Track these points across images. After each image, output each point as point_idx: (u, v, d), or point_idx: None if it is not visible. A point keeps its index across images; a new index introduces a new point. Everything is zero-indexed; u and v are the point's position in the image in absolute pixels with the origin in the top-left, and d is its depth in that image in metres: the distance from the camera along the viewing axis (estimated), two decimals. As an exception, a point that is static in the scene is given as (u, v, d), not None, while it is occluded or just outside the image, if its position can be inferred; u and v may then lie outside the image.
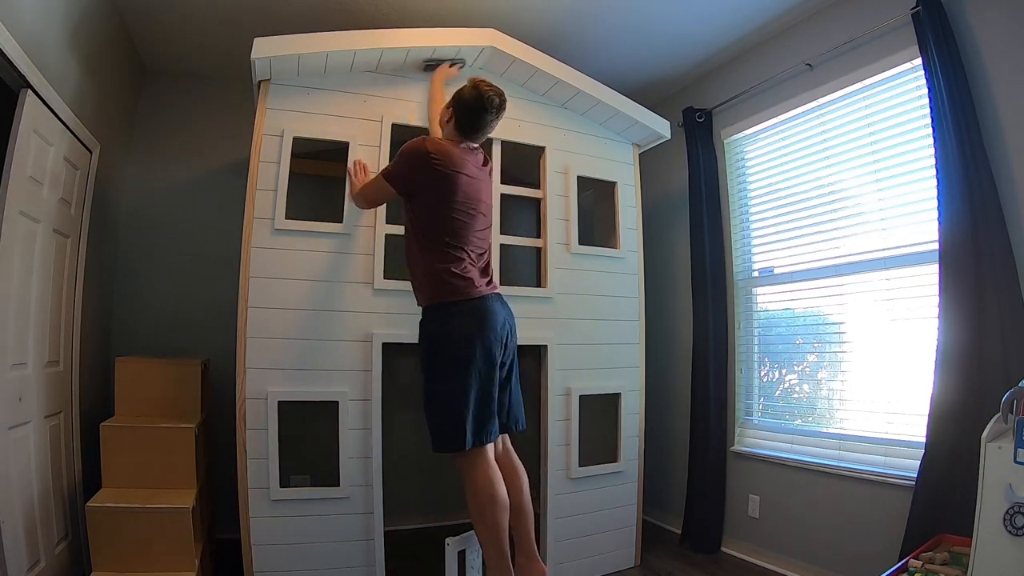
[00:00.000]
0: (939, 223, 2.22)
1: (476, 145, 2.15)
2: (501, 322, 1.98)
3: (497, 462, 1.96)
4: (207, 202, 3.36)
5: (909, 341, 2.45)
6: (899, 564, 1.93)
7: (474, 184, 2.05)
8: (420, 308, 2.05)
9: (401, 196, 2.06)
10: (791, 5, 2.82)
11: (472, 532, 1.99)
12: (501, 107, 2.05)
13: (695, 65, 3.45)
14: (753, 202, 3.26)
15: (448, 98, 2.13)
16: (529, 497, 2.04)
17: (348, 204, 2.42)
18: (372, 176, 2.26)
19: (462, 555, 1.97)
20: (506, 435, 2.09)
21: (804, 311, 3.01)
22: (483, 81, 2.06)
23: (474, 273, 1.98)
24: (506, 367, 2.04)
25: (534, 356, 2.73)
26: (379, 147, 2.47)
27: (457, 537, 1.98)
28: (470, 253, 2.01)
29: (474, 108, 2.02)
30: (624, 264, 2.96)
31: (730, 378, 3.22)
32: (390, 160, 2.42)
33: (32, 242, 2.15)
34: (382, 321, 2.41)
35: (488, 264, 2.11)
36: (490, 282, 2.07)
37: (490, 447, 1.93)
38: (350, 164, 2.38)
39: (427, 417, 1.96)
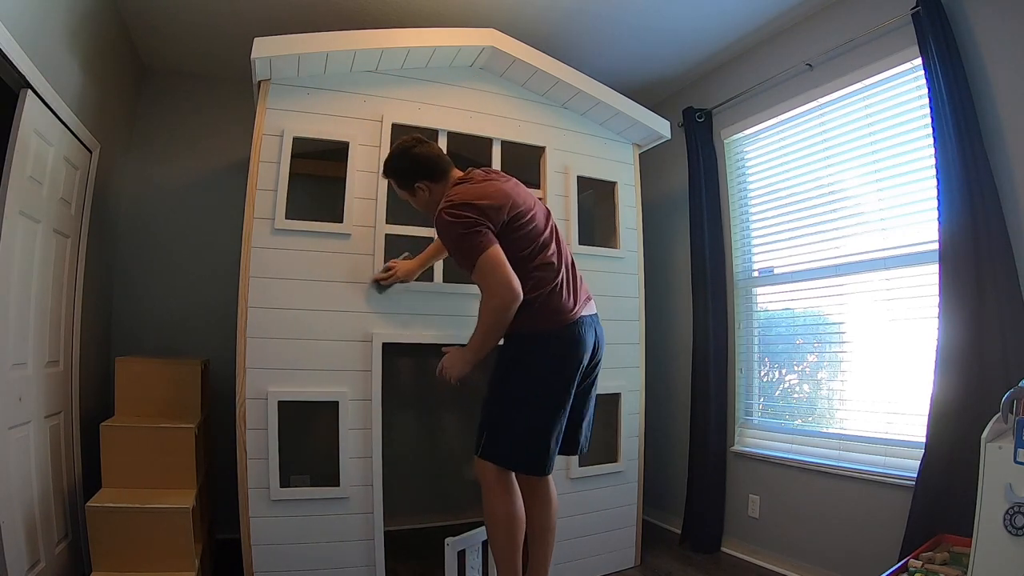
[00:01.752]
0: (939, 223, 2.22)
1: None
2: (588, 347, 1.94)
3: (530, 492, 1.91)
4: (207, 202, 3.37)
5: (909, 341, 2.45)
6: (899, 564, 1.93)
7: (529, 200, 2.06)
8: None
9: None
10: (791, 5, 2.82)
11: (472, 532, 1.99)
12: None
13: (695, 65, 3.45)
14: (753, 202, 3.26)
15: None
16: (554, 522, 1.95)
17: (348, 204, 2.42)
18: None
19: (462, 555, 1.97)
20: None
21: (804, 311, 3.01)
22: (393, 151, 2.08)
23: (565, 296, 1.96)
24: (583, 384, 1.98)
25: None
26: (379, 147, 2.47)
27: (457, 537, 1.98)
28: (560, 274, 2.00)
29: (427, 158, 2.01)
30: (624, 264, 2.95)
31: (730, 378, 3.22)
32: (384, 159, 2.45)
33: (32, 242, 2.15)
34: (382, 321, 2.41)
35: (576, 280, 2.04)
36: (584, 299, 2.04)
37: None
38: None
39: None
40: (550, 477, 1.93)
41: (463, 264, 1.83)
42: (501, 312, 1.77)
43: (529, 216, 1.92)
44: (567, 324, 1.87)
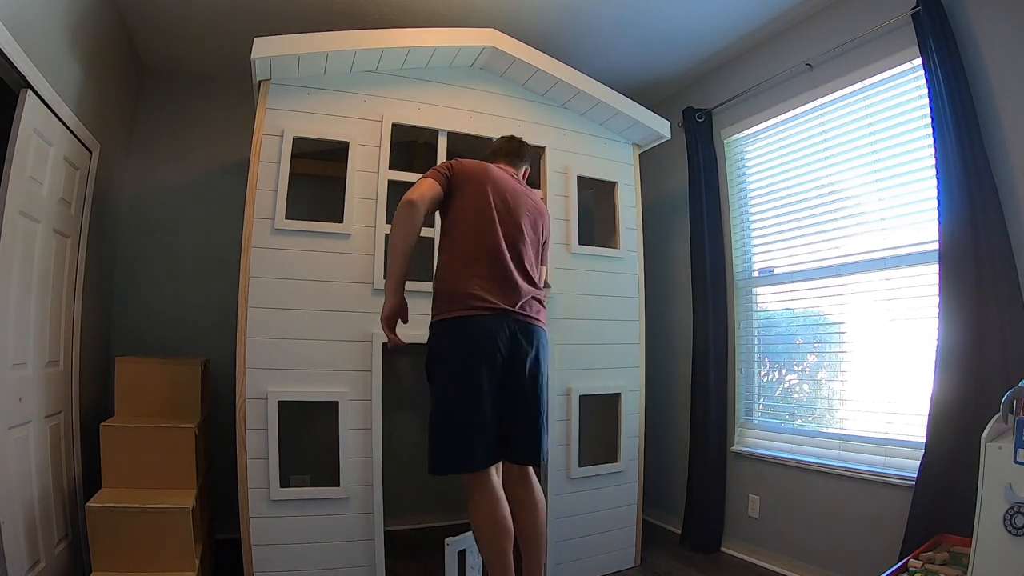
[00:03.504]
0: (939, 223, 2.22)
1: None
2: (506, 335, 1.86)
3: (509, 489, 1.87)
4: (207, 202, 3.37)
5: (909, 341, 2.45)
6: (899, 564, 1.93)
7: (512, 194, 2.07)
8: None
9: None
10: (791, 5, 2.82)
11: (471, 532, 1.99)
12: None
13: (695, 65, 3.45)
14: (753, 202, 3.26)
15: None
16: (541, 527, 1.89)
17: (348, 204, 2.42)
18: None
19: (462, 555, 1.97)
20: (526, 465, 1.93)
21: (804, 311, 3.01)
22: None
23: (492, 285, 1.90)
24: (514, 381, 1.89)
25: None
26: (379, 147, 2.47)
27: (457, 537, 1.98)
28: (499, 262, 1.96)
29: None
30: (624, 264, 2.96)
31: (730, 378, 3.22)
32: (390, 162, 2.48)
33: (32, 242, 2.15)
34: (382, 321, 2.41)
35: (522, 279, 1.96)
36: (524, 302, 1.94)
37: (489, 472, 1.82)
38: None
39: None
40: (533, 481, 1.90)
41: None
42: (400, 211, 1.81)
43: (483, 190, 1.92)
44: (474, 312, 1.79)
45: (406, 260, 1.83)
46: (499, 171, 2.02)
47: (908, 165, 2.48)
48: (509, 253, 1.88)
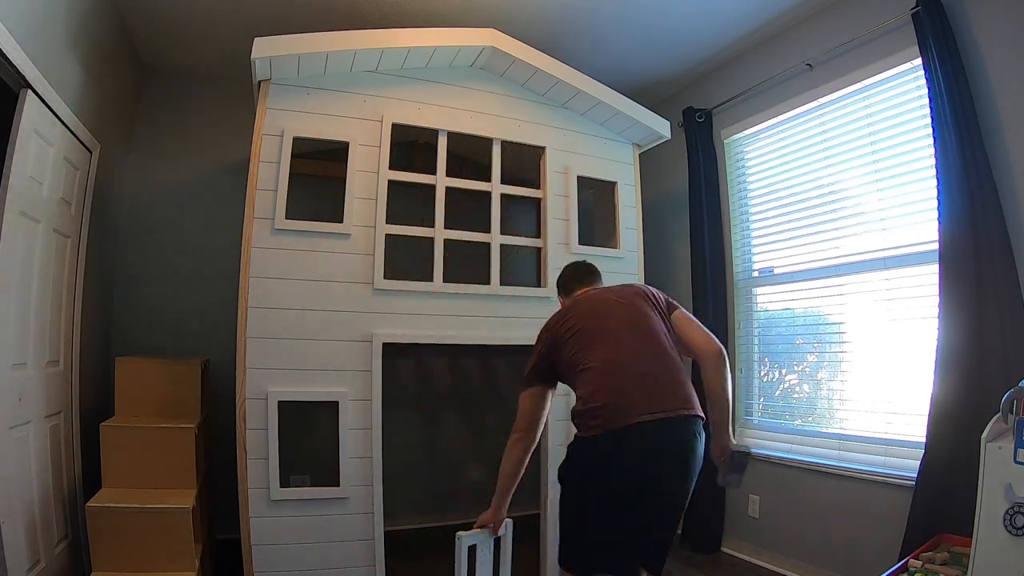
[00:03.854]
0: (939, 223, 2.22)
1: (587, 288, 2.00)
2: (649, 456, 1.65)
3: None
4: (207, 202, 3.36)
5: (909, 341, 2.45)
6: (899, 564, 1.93)
7: (610, 301, 1.90)
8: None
9: None
10: (791, 5, 2.82)
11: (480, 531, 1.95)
12: (588, 269, 2.06)
13: (695, 65, 3.45)
14: (753, 202, 3.26)
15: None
16: None
17: (348, 204, 2.42)
18: None
19: (472, 550, 1.96)
20: None
21: (804, 311, 3.01)
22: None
23: (623, 399, 1.65)
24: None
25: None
26: (379, 147, 2.47)
27: (468, 532, 1.95)
28: (623, 370, 1.72)
29: (562, 281, 2.08)
30: (624, 264, 2.95)
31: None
32: (390, 162, 2.48)
33: (32, 242, 2.15)
34: (382, 321, 2.41)
35: (659, 383, 1.73)
36: (665, 403, 1.68)
37: None
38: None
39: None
40: None
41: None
42: (509, 443, 1.86)
43: (569, 330, 1.79)
44: (603, 431, 1.60)
45: (512, 484, 1.88)
46: (579, 299, 1.90)
47: (908, 165, 2.48)
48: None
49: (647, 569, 1.75)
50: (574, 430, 1.74)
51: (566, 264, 2.15)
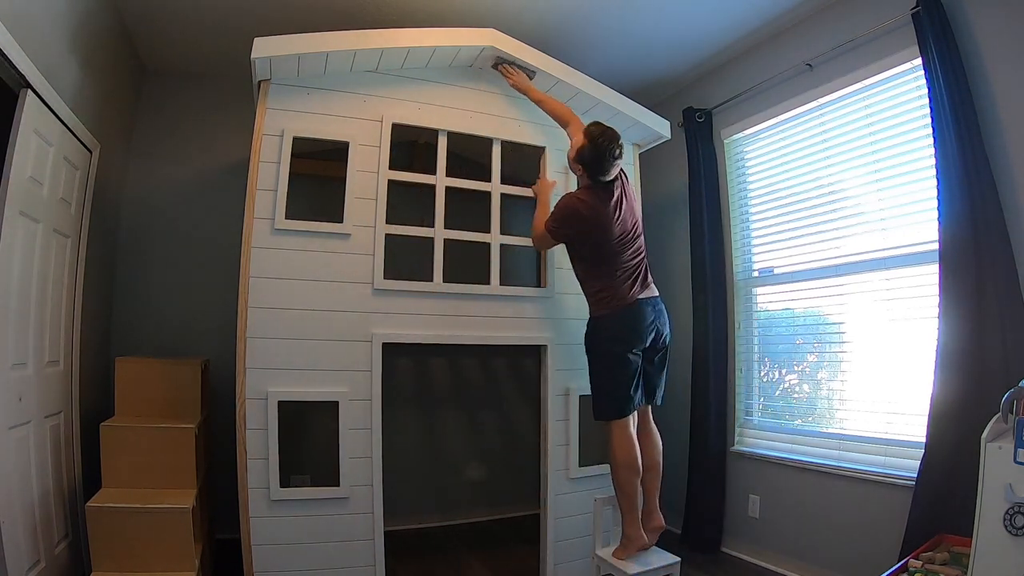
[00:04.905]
0: (939, 223, 2.22)
1: (611, 178, 2.33)
2: (646, 323, 2.29)
3: (638, 431, 2.36)
4: (207, 202, 3.36)
5: (909, 341, 2.45)
6: (899, 564, 1.93)
7: (619, 222, 2.31)
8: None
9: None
10: (791, 5, 2.82)
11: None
12: (620, 154, 2.30)
13: (695, 65, 3.45)
14: (753, 202, 3.26)
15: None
16: (659, 460, 2.42)
17: (348, 204, 2.42)
18: (544, 209, 2.55)
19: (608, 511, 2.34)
20: (647, 408, 2.43)
21: (804, 311, 3.01)
22: (599, 133, 2.28)
23: (623, 289, 2.29)
24: (651, 356, 2.38)
25: (533, 356, 2.73)
26: (379, 147, 2.47)
27: (603, 496, 2.42)
28: (619, 274, 2.31)
29: (596, 159, 2.29)
30: (624, 264, 2.95)
31: (730, 378, 3.22)
32: (390, 162, 2.44)
33: (32, 242, 2.15)
34: (382, 321, 2.41)
35: (638, 273, 2.35)
36: (643, 286, 2.34)
37: (629, 419, 2.30)
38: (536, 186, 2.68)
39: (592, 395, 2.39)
40: (652, 426, 2.44)
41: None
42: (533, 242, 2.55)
43: (612, 236, 2.30)
44: (618, 308, 2.28)
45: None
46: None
47: (908, 165, 2.48)
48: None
49: (650, 399, 2.41)
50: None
51: (606, 143, 2.30)
